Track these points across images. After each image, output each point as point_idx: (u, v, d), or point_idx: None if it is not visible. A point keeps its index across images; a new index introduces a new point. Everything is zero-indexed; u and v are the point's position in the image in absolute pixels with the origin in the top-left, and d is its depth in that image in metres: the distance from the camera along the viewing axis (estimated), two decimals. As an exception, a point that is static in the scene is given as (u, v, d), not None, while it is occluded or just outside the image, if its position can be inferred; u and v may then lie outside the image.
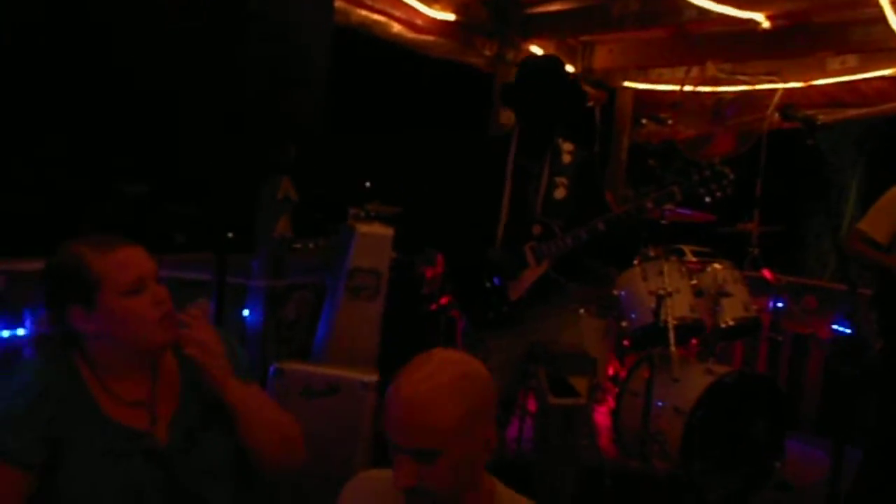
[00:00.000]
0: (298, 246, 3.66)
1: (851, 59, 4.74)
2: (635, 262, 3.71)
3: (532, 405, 3.37)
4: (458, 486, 1.29)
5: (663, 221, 3.54)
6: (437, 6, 4.17)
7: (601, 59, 5.31)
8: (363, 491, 1.45)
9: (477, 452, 1.30)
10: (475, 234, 2.80)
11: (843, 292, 2.34)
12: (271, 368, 2.73)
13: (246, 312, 3.51)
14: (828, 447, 3.24)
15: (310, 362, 3.04)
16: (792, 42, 4.54)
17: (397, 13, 4.07)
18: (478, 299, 2.78)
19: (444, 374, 1.29)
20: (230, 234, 2.49)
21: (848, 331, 4.26)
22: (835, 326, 4.48)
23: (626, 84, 5.75)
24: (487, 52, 4.76)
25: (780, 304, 4.42)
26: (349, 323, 3.29)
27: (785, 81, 5.00)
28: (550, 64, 2.81)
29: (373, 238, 3.39)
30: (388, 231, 3.46)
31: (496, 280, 2.75)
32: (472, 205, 2.82)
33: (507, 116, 4.72)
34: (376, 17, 3.98)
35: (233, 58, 2.15)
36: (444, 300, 3.87)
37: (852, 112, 5.14)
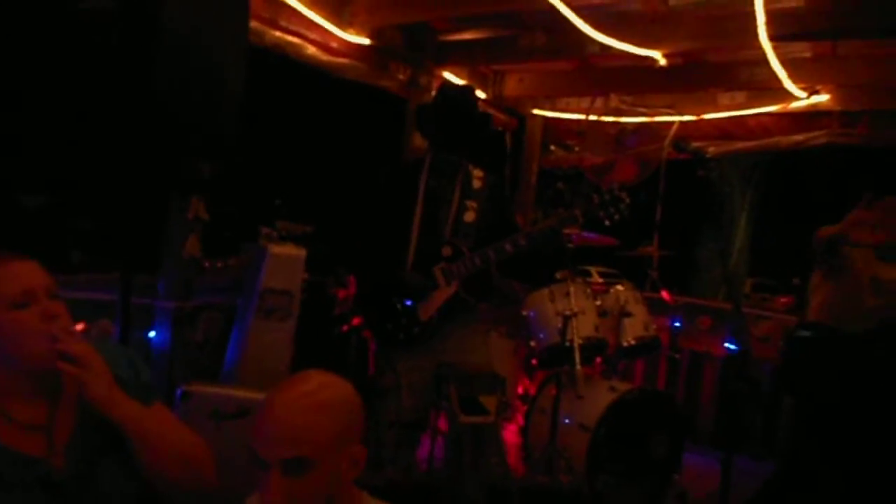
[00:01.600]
0: (207, 265, 3.59)
1: (740, 96, 5.11)
2: (546, 283, 3.85)
3: (443, 424, 3.41)
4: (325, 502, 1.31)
5: (570, 245, 3.69)
6: (351, 30, 4.22)
7: (512, 86, 5.49)
8: None
9: (346, 470, 1.34)
10: (387, 256, 2.84)
11: (731, 312, 2.52)
12: (178, 391, 2.66)
13: (152, 334, 3.40)
14: (721, 458, 3.43)
15: (219, 384, 2.99)
16: (686, 78, 4.86)
17: (312, 35, 4.09)
18: (389, 320, 2.82)
19: (322, 391, 1.33)
20: (133, 255, 2.41)
21: (735, 347, 4.54)
22: (726, 344, 4.77)
23: (536, 111, 5.97)
24: (401, 77, 4.84)
25: (677, 324, 4.66)
26: (260, 344, 3.25)
27: (681, 114, 5.33)
28: (464, 93, 2.92)
29: (285, 259, 3.38)
30: (300, 252, 3.45)
31: (407, 301, 2.80)
32: (384, 226, 2.87)
33: (421, 140, 4.81)
34: (291, 38, 3.98)
35: (145, 73, 2.12)
36: (355, 321, 3.88)
37: (740, 145, 5.51)
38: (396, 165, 3.86)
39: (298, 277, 3.43)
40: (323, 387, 1.34)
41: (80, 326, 2.53)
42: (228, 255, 3.78)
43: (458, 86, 3.28)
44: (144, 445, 1.50)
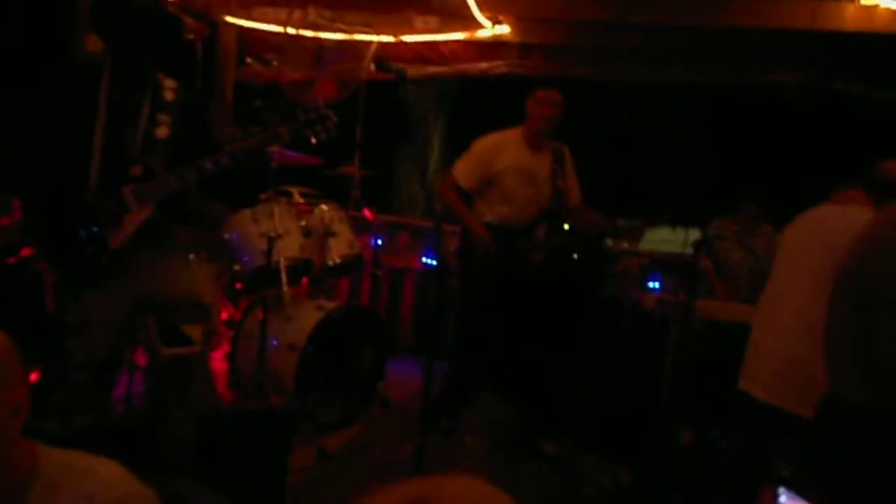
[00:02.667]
0: None
1: (433, 21, 5.31)
2: (247, 203, 3.70)
3: (142, 360, 3.17)
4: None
5: (273, 164, 3.57)
6: None
7: (201, -10, 5.03)
8: None
9: (4, 421, 1.17)
10: (63, 176, 2.47)
11: (430, 229, 2.67)
12: None
13: None
14: (422, 364, 3.72)
15: None
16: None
17: None
18: (71, 250, 2.49)
19: None
20: None
21: (434, 262, 4.89)
22: (424, 259, 5.10)
23: (229, 19, 5.57)
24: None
25: (379, 242, 4.85)
26: None
27: (378, 34, 5.39)
28: None
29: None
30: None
31: (94, 228, 2.48)
32: (56, 143, 2.48)
33: (95, 43, 4.21)
34: None
35: None
36: (25, 252, 3.36)
37: (433, 69, 5.77)
38: (68, 70, 3.33)
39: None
40: None
41: None
42: None
43: None
44: None
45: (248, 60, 5.87)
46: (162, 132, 2.59)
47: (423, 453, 2.75)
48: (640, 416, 3.46)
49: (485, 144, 3.62)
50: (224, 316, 4.07)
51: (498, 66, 5.54)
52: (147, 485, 1.27)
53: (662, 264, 4.29)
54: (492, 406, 3.82)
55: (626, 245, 4.48)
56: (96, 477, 1.23)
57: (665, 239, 3.84)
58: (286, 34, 5.36)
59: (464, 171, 3.60)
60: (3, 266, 3.32)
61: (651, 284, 4.26)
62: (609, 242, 5.19)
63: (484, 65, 5.61)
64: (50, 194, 2.51)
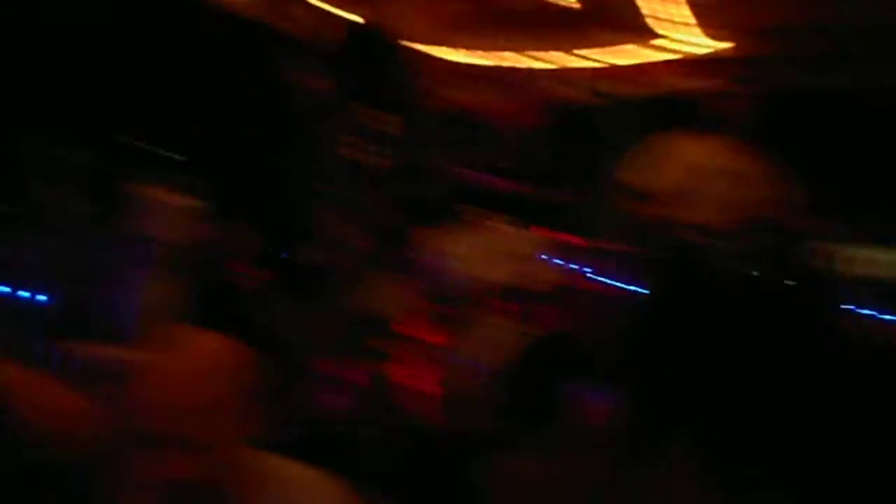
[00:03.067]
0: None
1: (641, 42, 5.11)
2: (448, 226, 3.76)
3: (354, 375, 3.30)
4: (219, 470, 1.19)
5: (480, 189, 3.61)
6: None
7: (405, 27, 5.26)
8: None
9: (237, 434, 1.22)
10: (284, 202, 2.67)
11: (636, 254, 2.51)
12: (53, 351, 2.42)
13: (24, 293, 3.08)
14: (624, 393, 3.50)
15: (100, 343, 2.73)
16: (587, 22, 4.81)
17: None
18: (290, 269, 2.67)
19: (200, 356, 1.21)
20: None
21: (639, 289, 4.63)
22: (632, 286, 4.85)
23: (433, 53, 5.76)
24: (299, 16, 4.54)
25: (586, 268, 4.70)
26: (148, 301, 3.01)
27: (585, 59, 5.29)
28: (374, 31, 2.76)
29: (174, 208, 3.14)
30: (191, 202, 3.19)
31: (311, 249, 2.64)
32: (279, 174, 2.70)
33: (318, 83, 4.55)
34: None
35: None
36: (251, 272, 3.67)
37: (643, 90, 5.56)
38: (295, 108, 3.62)
39: (190, 229, 3.19)
40: (200, 347, 1.22)
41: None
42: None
43: (366, 24, 3.08)
44: (28, 405, 1.35)
45: (451, 91, 6.06)
46: (374, 161, 2.72)
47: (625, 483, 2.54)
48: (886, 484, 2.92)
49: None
50: (427, 338, 4.15)
51: (716, 82, 5.21)
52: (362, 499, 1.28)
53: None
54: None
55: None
56: (311, 487, 1.25)
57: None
58: (489, 65, 5.47)
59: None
60: (231, 284, 3.64)
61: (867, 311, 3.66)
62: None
63: (695, 83, 5.31)
64: (272, 219, 2.71)
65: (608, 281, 4.98)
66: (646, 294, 4.10)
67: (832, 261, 3.61)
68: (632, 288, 4.85)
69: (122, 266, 3.12)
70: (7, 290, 3.03)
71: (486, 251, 3.54)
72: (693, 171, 3.30)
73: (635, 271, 4.83)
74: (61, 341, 2.46)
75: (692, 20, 4.32)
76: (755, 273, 3.18)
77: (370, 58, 2.68)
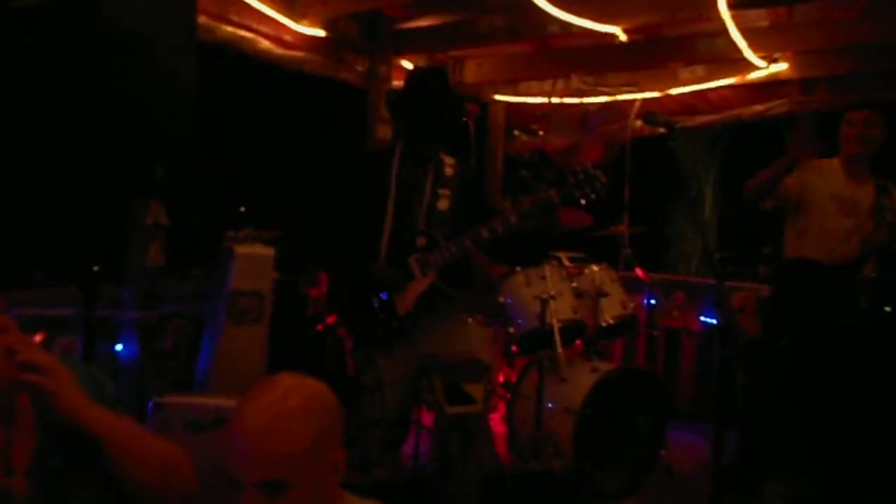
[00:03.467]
0: (173, 275, 3.47)
1: (700, 70, 5.12)
2: (517, 269, 3.80)
3: (426, 419, 3.35)
4: None
5: (560, 228, 3.62)
6: (305, 21, 4.11)
7: (472, 73, 5.43)
8: None
9: (327, 478, 1.26)
10: (359, 250, 2.76)
11: (708, 285, 2.49)
12: (150, 403, 2.55)
13: (119, 347, 3.28)
14: (705, 432, 3.44)
15: (192, 394, 2.88)
16: (646, 54, 4.86)
17: (265, 29, 3.98)
18: (365, 316, 2.74)
19: (291, 398, 1.24)
20: (96, 267, 2.30)
21: (714, 321, 4.55)
22: (703, 318, 4.78)
23: (497, 97, 5.91)
24: (359, 68, 4.75)
25: (652, 301, 4.65)
26: (233, 349, 3.15)
27: (643, 91, 5.32)
28: (438, 75, 2.85)
29: (253, 259, 3.28)
30: (268, 251, 3.35)
31: (383, 295, 2.72)
32: (355, 219, 2.79)
33: (385, 131, 4.73)
34: (243, 33, 3.87)
35: (87, 74, 2.01)
36: (330, 320, 3.79)
37: (703, 118, 5.53)
38: (364, 157, 3.76)
39: (268, 278, 3.33)
40: (292, 392, 1.25)
41: (38, 338, 2.40)
42: (193, 266, 3.66)
43: (430, 68, 3.20)
44: (125, 455, 1.40)
45: (516, 133, 6.15)
46: (442, 204, 2.79)
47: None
48: None
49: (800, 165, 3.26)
50: (500, 378, 4.17)
51: (777, 105, 5.14)
52: None
53: None
54: (794, 481, 3.39)
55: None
56: None
57: None
58: (550, 104, 5.53)
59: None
60: (313, 332, 3.78)
61: None
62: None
63: (760, 107, 5.25)
64: (348, 267, 2.81)
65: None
66: (717, 325, 4.03)
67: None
68: (704, 319, 4.79)
69: (211, 317, 3.28)
70: (120, 347, 3.23)
71: (556, 289, 3.56)
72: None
73: (706, 302, 4.77)
74: (158, 393, 2.59)
75: (746, 46, 4.28)
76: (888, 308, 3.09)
77: (433, 101, 2.76)
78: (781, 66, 4.68)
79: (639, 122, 5.20)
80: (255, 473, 1.19)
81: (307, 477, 1.21)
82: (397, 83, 4.76)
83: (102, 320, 2.93)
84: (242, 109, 5.16)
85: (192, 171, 2.42)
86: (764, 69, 4.69)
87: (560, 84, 5.44)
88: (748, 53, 4.39)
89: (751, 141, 7.71)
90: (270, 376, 1.30)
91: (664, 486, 3.63)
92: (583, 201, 2.68)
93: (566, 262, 4.26)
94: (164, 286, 3.41)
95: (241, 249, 3.30)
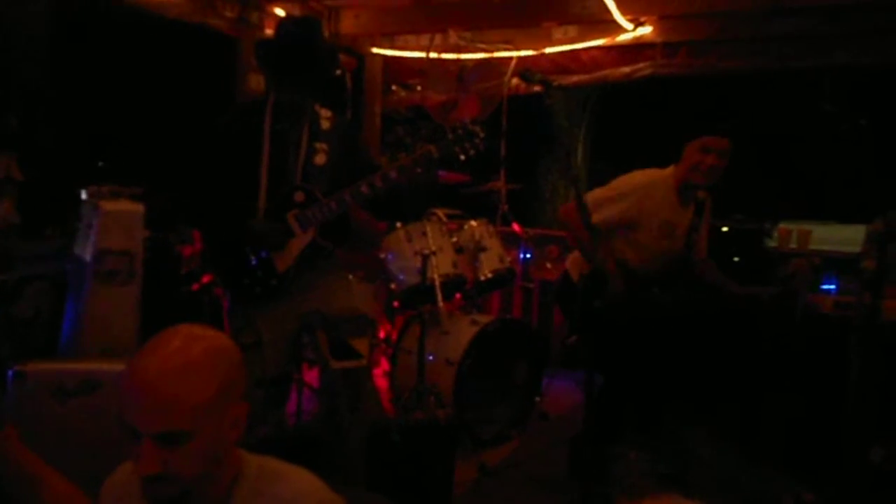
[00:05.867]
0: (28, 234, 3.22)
1: (573, 30, 5.25)
2: (398, 225, 3.81)
3: (308, 377, 3.34)
4: (206, 469, 1.21)
5: (438, 183, 3.66)
6: (170, -36, 3.86)
7: (348, 24, 5.31)
8: (122, 483, 1.33)
9: (226, 432, 1.24)
10: (233, 206, 2.67)
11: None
12: (9, 373, 2.38)
13: (-32, 314, 3.02)
14: (576, 378, 3.63)
15: (58, 360, 2.72)
16: (522, 12, 4.92)
17: (126, -30, 3.70)
18: (243, 274, 2.67)
19: (193, 349, 1.21)
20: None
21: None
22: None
23: (374, 50, 5.81)
24: (229, 14, 4.51)
25: (528, 255, 4.82)
26: (101, 312, 2.98)
27: (518, 49, 5.41)
28: (309, 25, 2.74)
29: (121, 215, 3.09)
30: (137, 207, 3.16)
31: (263, 252, 2.66)
32: (227, 175, 2.68)
33: (257, 81, 4.54)
34: (101, -27, 3.58)
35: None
36: (205, 279, 3.66)
37: (575, 78, 5.70)
38: (234, 108, 3.60)
39: (138, 236, 3.15)
40: (196, 342, 1.21)
41: None
42: (49, 223, 3.40)
43: (302, 18, 3.08)
44: None
45: (394, 88, 6.10)
46: (320, 159, 2.72)
47: (584, 467, 2.68)
48: (824, 431, 3.17)
49: (631, 185, 3.22)
50: (382, 334, 4.21)
51: (642, 68, 5.38)
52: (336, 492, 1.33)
53: (838, 264, 3.94)
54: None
55: (794, 245, 4.16)
56: (294, 483, 1.29)
57: (844, 238, 3.52)
58: (428, 59, 5.51)
59: (601, 206, 3.12)
60: (188, 292, 3.63)
61: (826, 286, 3.93)
62: (773, 243, 4.86)
63: (627, 69, 5.47)
64: (223, 224, 2.71)
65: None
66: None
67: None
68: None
69: (75, 279, 3.08)
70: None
71: (436, 244, 3.61)
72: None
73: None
74: (19, 361, 2.42)
75: (615, 7, 4.44)
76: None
77: (304, 53, 2.67)
78: (646, 30, 4.89)
79: (515, 80, 5.29)
80: (154, 424, 1.15)
81: (207, 429, 1.18)
82: (270, 31, 4.57)
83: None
84: (104, 58, 4.80)
85: (48, 121, 2.24)
86: (630, 32, 4.88)
87: (438, 39, 5.43)
88: (617, 15, 4.55)
89: (619, 101, 8.08)
90: (172, 327, 1.24)
91: (539, 430, 3.83)
92: (462, 157, 2.71)
93: (443, 218, 4.33)
94: (19, 246, 3.16)
95: (108, 205, 3.10)
